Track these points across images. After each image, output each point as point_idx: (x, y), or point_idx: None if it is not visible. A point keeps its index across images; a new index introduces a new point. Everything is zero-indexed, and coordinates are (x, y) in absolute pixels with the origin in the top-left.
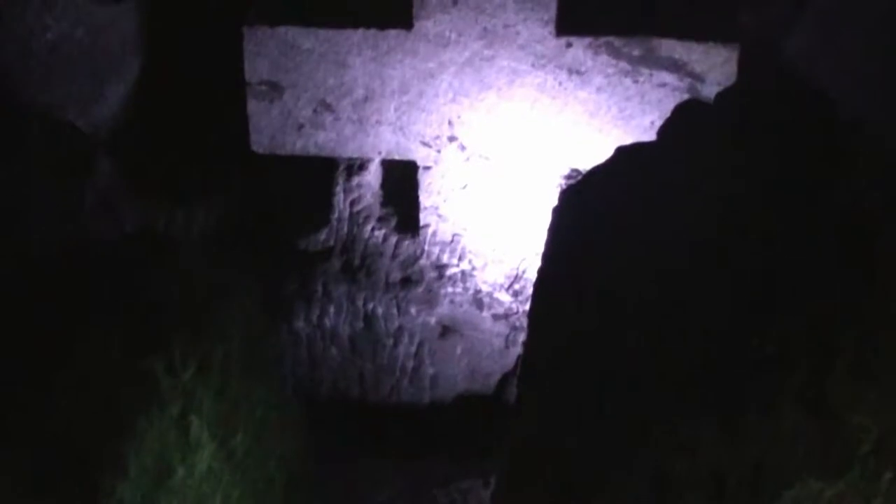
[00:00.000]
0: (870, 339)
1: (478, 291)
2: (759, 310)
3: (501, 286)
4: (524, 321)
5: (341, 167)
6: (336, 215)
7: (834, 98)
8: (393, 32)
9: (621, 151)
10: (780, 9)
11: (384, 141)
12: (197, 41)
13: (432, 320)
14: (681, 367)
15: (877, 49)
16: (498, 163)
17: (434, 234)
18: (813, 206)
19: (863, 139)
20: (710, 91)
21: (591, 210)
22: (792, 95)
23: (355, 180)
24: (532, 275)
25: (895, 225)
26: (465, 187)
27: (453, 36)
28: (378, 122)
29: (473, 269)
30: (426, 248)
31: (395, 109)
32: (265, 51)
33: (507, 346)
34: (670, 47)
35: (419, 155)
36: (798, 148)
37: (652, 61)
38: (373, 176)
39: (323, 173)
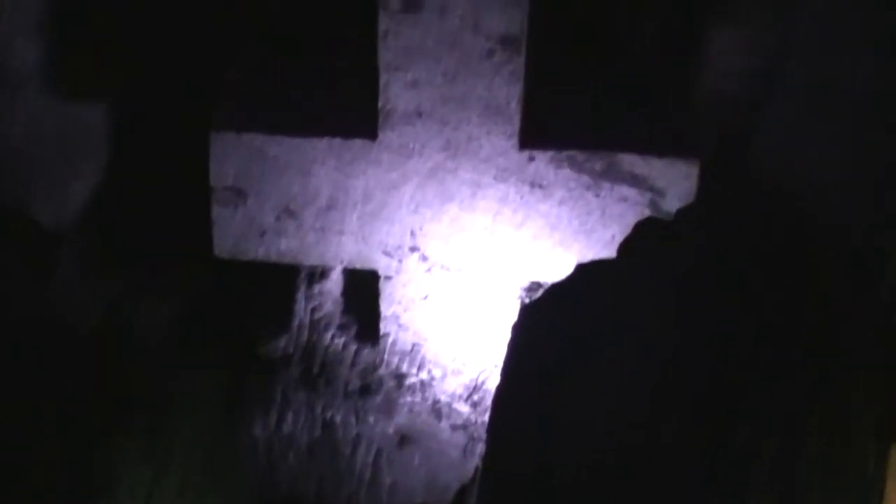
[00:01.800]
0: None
1: (436, 401)
2: (721, 426)
3: (460, 397)
4: (482, 432)
5: (303, 274)
6: (297, 322)
7: (798, 211)
8: (357, 142)
9: (581, 268)
10: (739, 121)
11: (346, 250)
12: (164, 140)
13: (390, 429)
14: (640, 486)
15: (838, 157)
16: (459, 274)
17: (394, 343)
18: (777, 319)
19: (827, 251)
20: (671, 205)
21: (550, 326)
22: (753, 210)
23: (316, 288)
24: (491, 386)
25: (862, 343)
26: (425, 297)
27: (417, 147)
28: (340, 231)
29: (432, 378)
30: (386, 357)
31: (358, 219)
32: (231, 157)
33: (465, 457)
34: (632, 162)
35: (381, 264)
36: (761, 263)
37: (613, 176)
38: (334, 284)
39: (284, 280)
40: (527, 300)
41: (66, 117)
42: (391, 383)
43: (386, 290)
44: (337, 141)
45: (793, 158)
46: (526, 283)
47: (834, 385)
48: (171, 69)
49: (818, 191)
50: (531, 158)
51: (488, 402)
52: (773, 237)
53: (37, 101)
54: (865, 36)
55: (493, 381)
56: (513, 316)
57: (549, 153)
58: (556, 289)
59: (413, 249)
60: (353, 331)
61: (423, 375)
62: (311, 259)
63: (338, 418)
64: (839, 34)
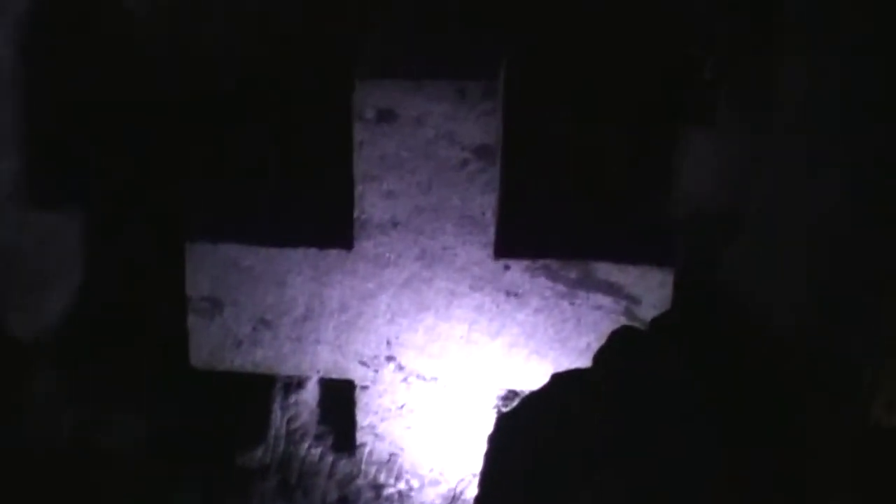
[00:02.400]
0: None
1: None
2: None
3: None
4: None
5: (279, 384)
6: (273, 433)
7: (769, 319)
8: (333, 252)
9: (557, 378)
10: (713, 233)
11: (322, 359)
12: (140, 252)
13: None
14: None
15: (810, 268)
16: (436, 383)
17: (371, 453)
18: (748, 427)
19: (798, 359)
20: (646, 313)
21: (527, 436)
22: (726, 319)
23: (293, 398)
24: (470, 495)
25: (830, 448)
26: (402, 407)
27: (392, 257)
28: (316, 341)
29: (411, 489)
30: (363, 467)
31: (334, 328)
32: (207, 267)
33: None
34: (606, 270)
35: (357, 374)
36: (733, 373)
37: (588, 284)
38: (310, 394)
39: (260, 390)
40: (503, 409)
41: (40, 229)
42: (369, 494)
43: (362, 399)
44: (312, 251)
45: (762, 275)
46: (502, 392)
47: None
48: (146, 180)
49: (787, 307)
50: (506, 267)
51: None
52: (743, 354)
53: (11, 213)
54: (834, 156)
55: (471, 490)
56: (490, 425)
57: (525, 262)
58: (532, 398)
59: (389, 359)
60: (329, 441)
61: (401, 486)
62: (287, 369)
63: None
64: (809, 151)
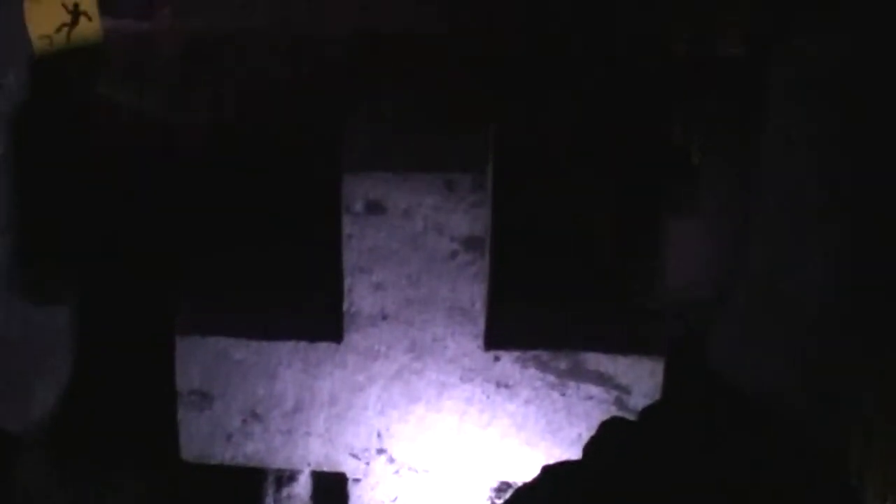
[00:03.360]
0: None
1: None
2: None
3: None
4: None
5: (271, 477)
6: None
7: (761, 405)
8: (323, 345)
9: (547, 470)
10: (702, 319)
11: (313, 452)
12: (128, 343)
13: None
14: None
15: (800, 352)
16: (427, 475)
17: None
18: None
19: (792, 444)
20: (637, 402)
21: None
22: (718, 407)
23: (285, 491)
24: None
25: None
26: (395, 499)
27: (382, 349)
28: (307, 434)
29: None
30: None
31: (325, 421)
32: (196, 360)
33: None
34: (596, 360)
35: (348, 467)
36: (726, 461)
37: (579, 374)
38: (303, 487)
39: (252, 483)
40: (496, 501)
41: (29, 320)
42: None
43: (355, 492)
44: (302, 344)
45: (751, 359)
46: (495, 484)
47: None
48: (134, 272)
49: (776, 393)
50: (497, 359)
51: None
52: (735, 440)
53: (4, 299)
54: (817, 241)
55: None
56: None
57: (515, 353)
58: (522, 492)
59: (380, 451)
60: None
61: None
62: (278, 462)
63: None
64: (793, 236)
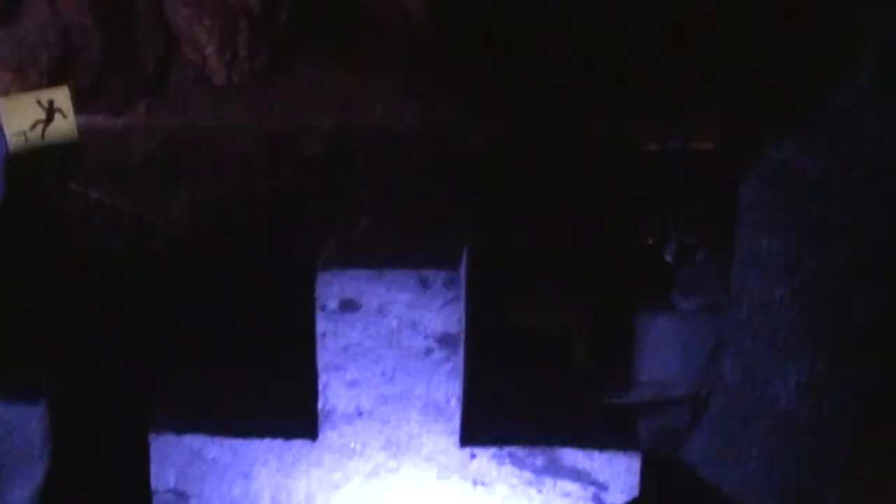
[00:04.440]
0: None
1: None
2: None
3: None
4: None
5: None
6: None
7: None
8: (298, 443)
9: None
10: (678, 417)
11: None
12: (103, 443)
13: None
14: None
15: (773, 456)
16: None
17: None
18: None
19: None
20: (613, 499)
21: None
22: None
23: None
24: None
25: None
26: None
27: (358, 447)
28: None
29: None
30: None
31: None
32: (171, 459)
33: None
34: (573, 457)
35: None
36: None
37: (555, 471)
38: None
39: None
40: None
41: (9, 422)
42: None
43: None
44: (277, 442)
45: (725, 458)
46: None
47: None
48: (109, 372)
49: (751, 495)
50: (473, 455)
51: None
52: None
53: None
54: (794, 347)
55: None
56: None
57: (491, 450)
58: None
59: None
60: None
61: None
62: None
63: None
64: (770, 339)
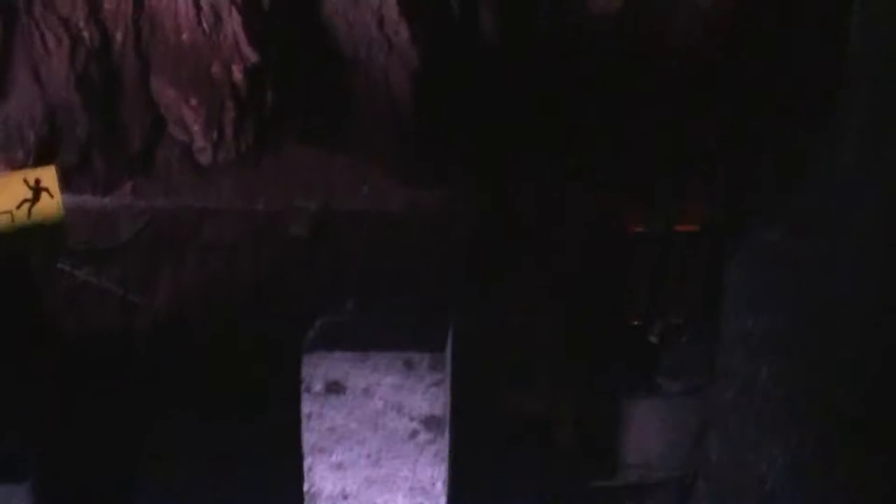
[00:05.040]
0: None
1: None
2: None
3: None
4: None
5: None
6: None
7: None
8: None
9: None
10: (664, 499)
11: None
12: None
13: None
14: None
15: None
16: None
17: None
18: None
19: None
20: None
21: None
22: None
23: None
24: None
25: None
26: None
27: None
28: None
29: None
30: None
31: None
32: None
33: None
34: None
35: None
36: None
37: None
38: None
39: None
40: None
41: None
42: None
43: None
44: None
45: None
46: None
47: None
48: (93, 450)
49: None
50: None
51: None
52: None
53: None
54: (777, 432)
55: None
56: None
57: None
58: None
59: None
60: None
61: None
62: None
63: None
64: (755, 422)
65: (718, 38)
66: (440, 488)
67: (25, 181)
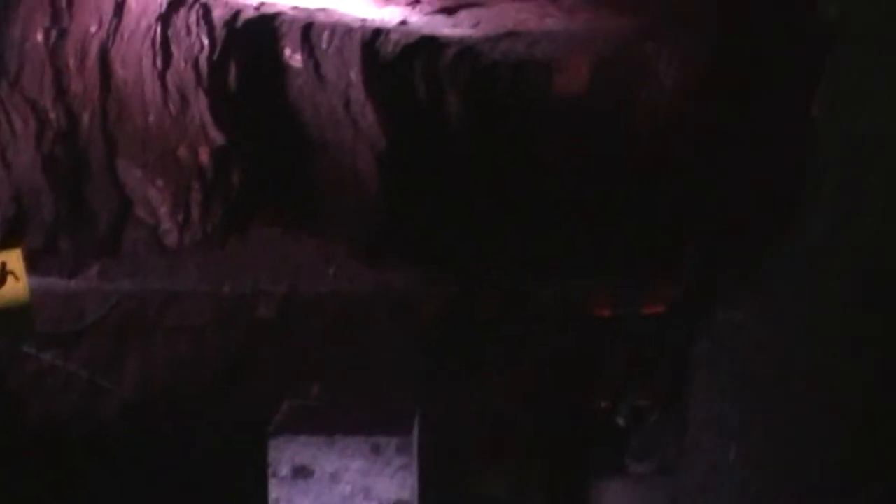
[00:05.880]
0: None
1: None
2: None
3: None
4: None
5: None
6: None
7: None
8: None
9: None
10: None
11: None
12: None
13: None
14: None
15: None
16: None
17: None
18: None
19: None
20: None
21: None
22: None
23: None
24: None
25: None
26: None
27: None
28: None
29: None
30: None
31: None
32: None
33: None
34: None
35: None
36: None
37: None
38: None
39: None
40: None
41: None
42: None
43: None
44: None
45: None
46: None
47: None
48: None
49: None
50: None
51: None
52: None
53: None
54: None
55: None
56: None
57: None
58: None
59: None
60: None
61: None
62: None
63: None
64: (722, 502)
65: (683, 120)
66: None
67: None
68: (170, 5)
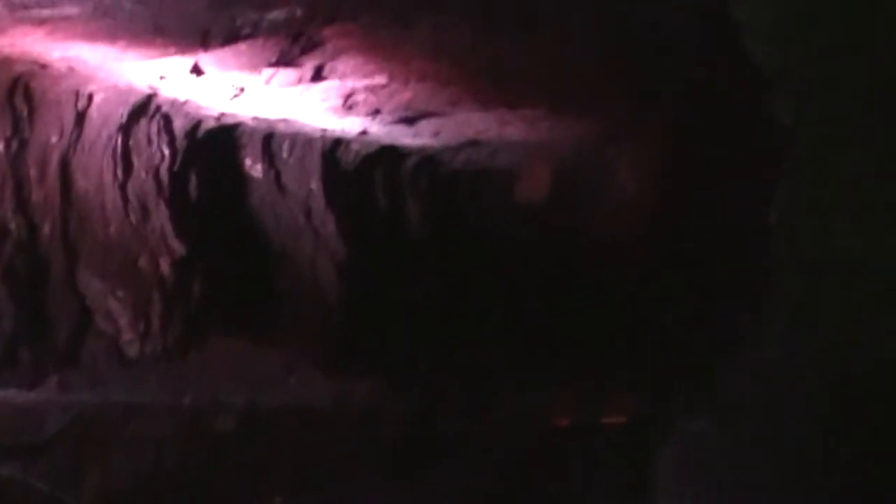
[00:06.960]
0: None
1: None
2: None
3: None
4: None
5: None
6: None
7: None
8: None
9: None
10: None
11: None
12: None
13: None
14: None
15: None
16: None
17: None
18: None
19: None
20: None
21: None
22: None
23: None
24: None
25: None
26: None
27: None
28: None
29: None
30: None
31: None
32: None
33: None
34: None
35: None
36: None
37: None
38: None
39: None
40: None
41: None
42: None
43: None
44: None
45: None
46: None
47: None
48: None
49: None
50: None
51: None
52: None
53: None
54: None
55: None
56: None
57: None
58: None
59: None
60: None
61: None
62: None
63: None
64: None
65: (644, 228)
66: None
67: None
68: (131, 115)
